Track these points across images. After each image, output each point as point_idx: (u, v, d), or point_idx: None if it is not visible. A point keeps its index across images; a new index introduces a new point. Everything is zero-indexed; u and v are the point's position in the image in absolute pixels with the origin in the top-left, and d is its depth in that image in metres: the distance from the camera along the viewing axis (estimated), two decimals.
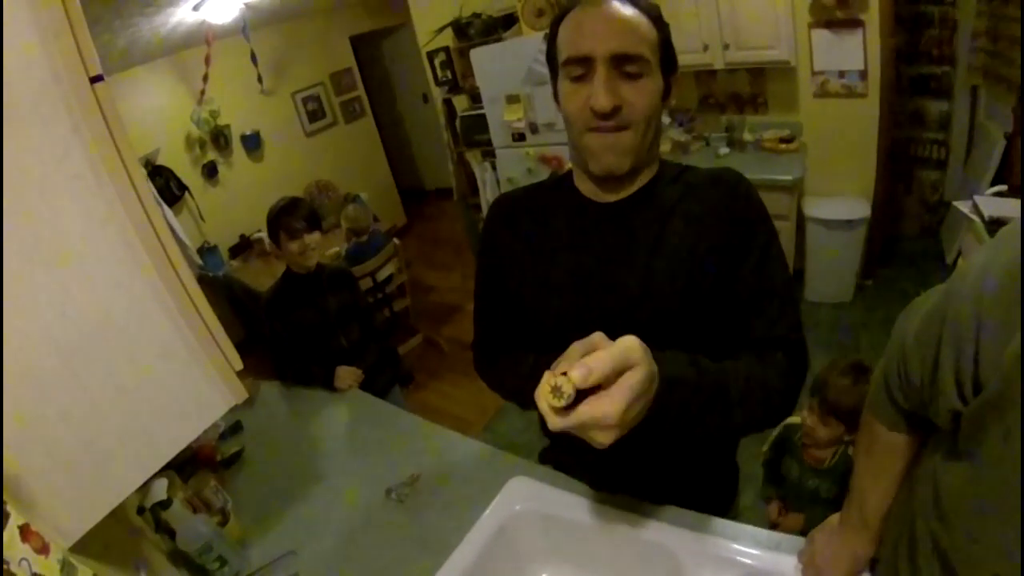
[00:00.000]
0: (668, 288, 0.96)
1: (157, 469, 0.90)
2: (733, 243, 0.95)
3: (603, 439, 0.66)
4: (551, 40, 0.93)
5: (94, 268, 0.79)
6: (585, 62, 0.85)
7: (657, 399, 0.71)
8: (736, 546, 1.04)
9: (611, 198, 0.99)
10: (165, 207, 4.23)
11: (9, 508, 0.70)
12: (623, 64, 0.85)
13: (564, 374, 0.64)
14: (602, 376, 0.63)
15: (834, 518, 0.96)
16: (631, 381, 0.65)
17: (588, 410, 0.64)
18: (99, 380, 0.81)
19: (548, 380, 0.65)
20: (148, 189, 0.80)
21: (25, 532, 0.71)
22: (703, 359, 0.85)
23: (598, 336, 0.70)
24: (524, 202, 1.12)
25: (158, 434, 0.91)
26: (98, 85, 0.77)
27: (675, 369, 0.77)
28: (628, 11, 0.86)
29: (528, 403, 0.73)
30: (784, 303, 0.97)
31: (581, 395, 0.65)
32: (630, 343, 0.67)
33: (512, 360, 1.13)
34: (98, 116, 0.77)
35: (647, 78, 0.87)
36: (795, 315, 0.98)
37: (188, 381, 0.92)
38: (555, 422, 0.65)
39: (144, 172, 0.80)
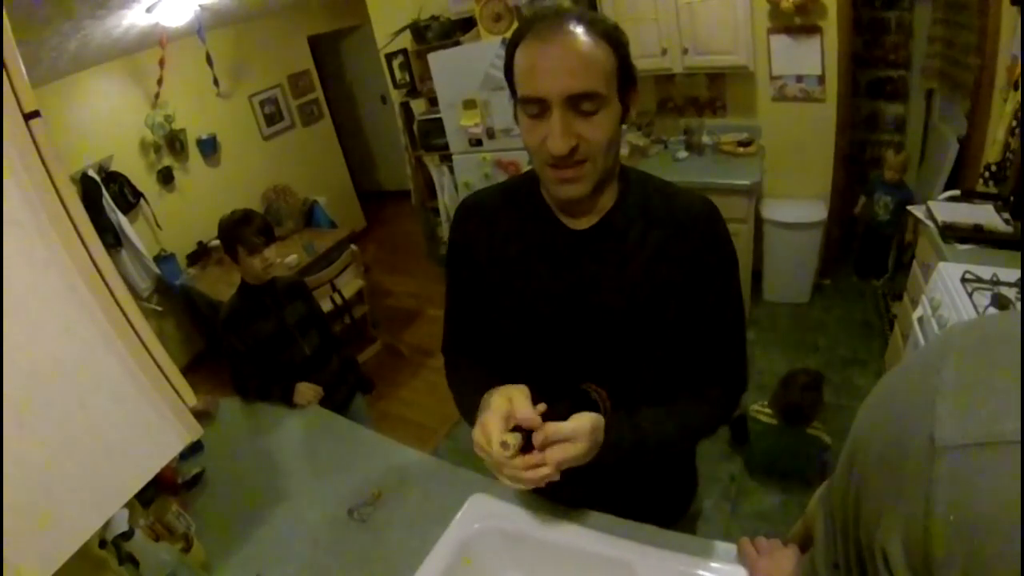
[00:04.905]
0: (630, 315, 0.99)
1: (116, 509, 0.89)
2: (695, 280, 0.98)
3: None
4: (508, 61, 0.89)
5: (39, 315, 0.76)
6: (540, 103, 0.83)
7: (599, 457, 0.90)
8: (695, 559, 1.06)
9: (579, 224, 0.99)
10: (120, 215, 4.11)
11: None
12: (579, 103, 0.82)
13: (515, 429, 0.86)
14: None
15: (777, 546, 0.96)
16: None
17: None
18: (52, 427, 0.79)
19: (498, 436, 0.84)
20: (90, 228, 0.78)
21: None
22: (646, 415, 1.00)
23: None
24: (494, 206, 1.09)
25: (115, 475, 0.89)
26: (34, 122, 0.72)
27: (616, 435, 0.93)
28: (583, 43, 0.81)
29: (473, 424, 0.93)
30: (732, 342, 1.06)
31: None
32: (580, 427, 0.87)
33: (473, 377, 1.12)
34: (35, 157, 0.72)
35: (603, 112, 0.84)
36: (740, 354, 1.08)
37: (142, 422, 0.90)
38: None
39: (85, 213, 0.77)
